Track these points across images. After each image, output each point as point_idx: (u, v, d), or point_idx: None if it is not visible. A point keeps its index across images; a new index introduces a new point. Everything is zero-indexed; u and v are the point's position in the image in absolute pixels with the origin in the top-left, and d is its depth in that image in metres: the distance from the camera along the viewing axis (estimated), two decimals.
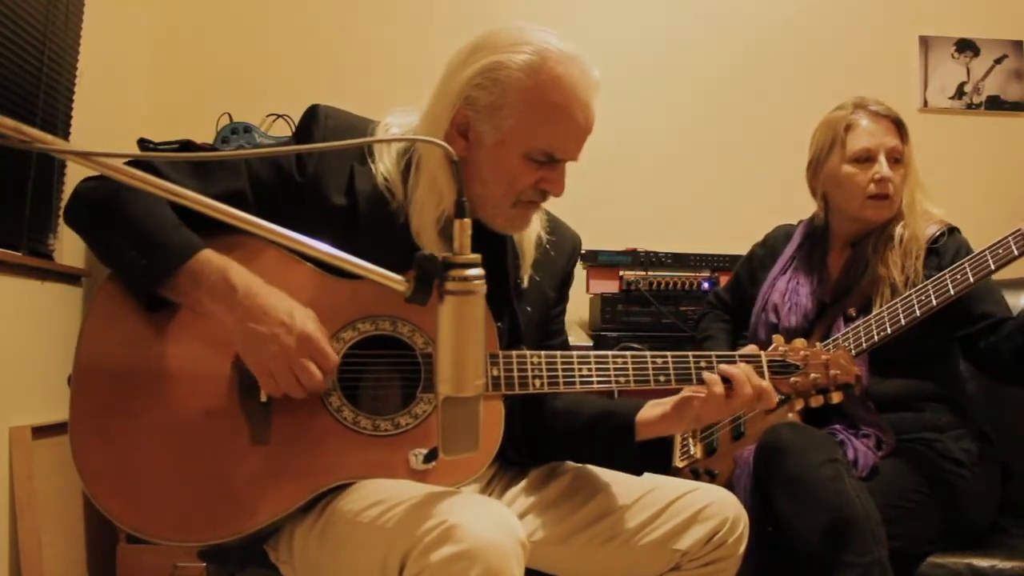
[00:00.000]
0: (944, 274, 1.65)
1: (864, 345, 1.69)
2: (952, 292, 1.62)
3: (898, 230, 1.83)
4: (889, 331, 1.67)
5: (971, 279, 1.61)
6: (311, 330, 1.16)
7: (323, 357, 1.16)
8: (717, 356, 1.31)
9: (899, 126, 1.86)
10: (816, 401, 1.36)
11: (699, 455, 1.92)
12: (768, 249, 2.10)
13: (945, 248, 1.82)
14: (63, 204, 2.24)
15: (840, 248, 1.95)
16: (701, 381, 1.29)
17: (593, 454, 1.39)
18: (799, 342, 1.37)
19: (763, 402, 1.29)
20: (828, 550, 1.48)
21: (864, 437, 1.73)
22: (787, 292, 1.94)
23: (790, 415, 1.78)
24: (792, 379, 1.34)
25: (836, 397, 1.36)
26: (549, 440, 1.41)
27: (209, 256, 1.17)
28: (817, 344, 1.39)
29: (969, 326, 1.76)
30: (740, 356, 1.32)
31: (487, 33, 1.28)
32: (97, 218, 1.21)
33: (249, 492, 1.17)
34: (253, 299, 1.15)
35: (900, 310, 1.68)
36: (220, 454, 1.18)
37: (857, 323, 1.73)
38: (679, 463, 1.96)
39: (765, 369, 1.33)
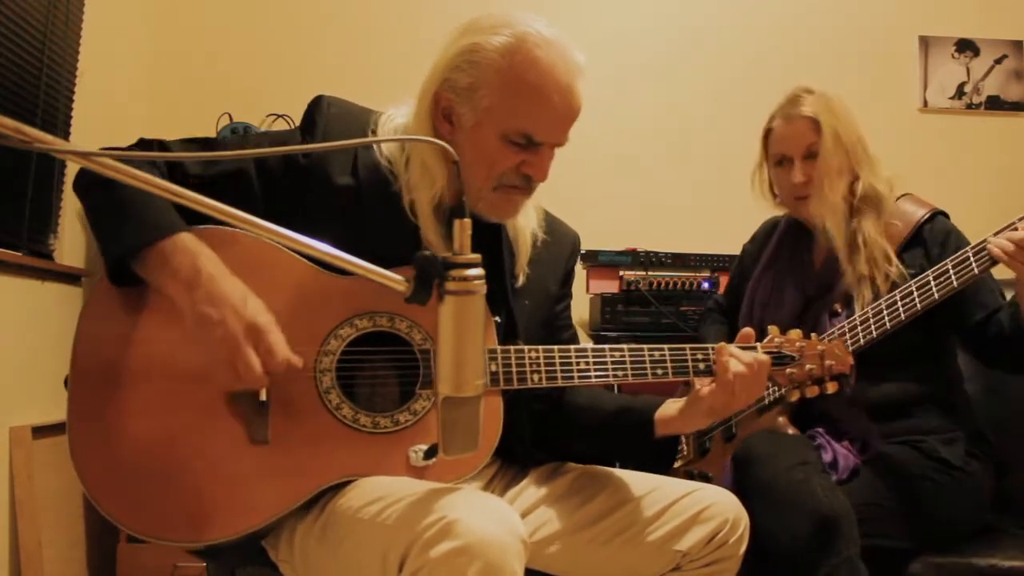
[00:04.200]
0: (928, 275, 1.63)
1: (849, 347, 1.65)
2: (936, 296, 1.61)
3: (856, 230, 1.79)
4: (874, 334, 1.66)
5: (955, 284, 1.60)
6: (261, 321, 1.11)
7: (267, 351, 1.11)
8: (714, 348, 1.32)
9: (814, 124, 1.82)
10: (811, 391, 1.38)
11: (691, 455, 1.92)
12: (756, 244, 2.09)
13: (932, 234, 1.79)
14: (63, 204, 2.25)
15: (821, 240, 1.91)
16: (698, 373, 1.31)
17: (612, 450, 1.41)
18: (794, 333, 1.39)
19: (759, 381, 1.30)
20: (799, 552, 1.48)
21: (847, 440, 1.72)
22: (772, 289, 1.92)
23: (780, 419, 1.77)
24: (788, 370, 1.36)
25: (831, 387, 1.38)
26: (568, 435, 1.42)
27: (184, 240, 1.15)
28: (812, 335, 1.41)
29: (967, 319, 1.74)
30: (737, 346, 1.34)
31: (471, 19, 1.29)
32: (96, 186, 1.21)
33: (250, 491, 1.17)
34: (211, 284, 1.12)
35: (885, 312, 1.66)
36: (220, 454, 1.18)
37: (842, 324, 1.72)
38: (674, 463, 1.95)
39: None
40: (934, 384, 1.79)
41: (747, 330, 1.37)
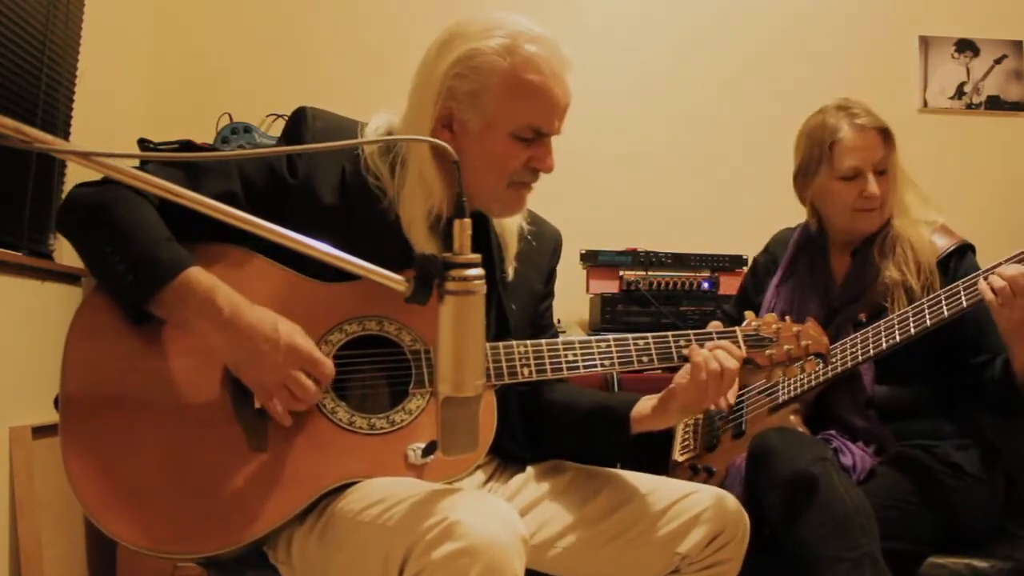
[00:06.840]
0: (958, 285, 1.61)
1: (871, 352, 1.67)
2: (965, 305, 1.59)
3: (900, 235, 1.81)
4: (898, 339, 1.64)
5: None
6: (298, 342, 1.15)
7: (314, 366, 1.16)
8: (695, 335, 1.35)
9: (884, 135, 1.80)
10: (791, 372, 1.42)
11: (698, 450, 1.92)
12: (770, 256, 2.07)
13: (957, 268, 1.78)
14: None
15: (840, 251, 1.92)
16: (681, 359, 1.33)
17: (592, 448, 1.42)
18: (770, 316, 1.43)
19: (732, 376, 1.30)
20: (819, 547, 1.49)
21: (861, 442, 1.72)
22: (792, 302, 1.90)
23: (791, 417, 1.78)
24: (767, 351, 1.40)
25: (809, 366, 1.43)
26: (547, 433, 1.43)
27: (197, 275, 1.15)
28: (787, 318, 1.45)
29: (970, 356, 1.74)
30: (716, 333, 1.37)
31: (456, 24, 1.30)
32: (87, 228, 1.20)
33: (250, 500, 1.17)
34: (239, 319, 1.14)
35: (911, 318, 1.65)
36: (218, 464, 1.17)
37: (866, 329, 1.71)
38: (679, 457, 1.96)
39: (741, 342, 1.38)
40: (949, 393, 1.80)
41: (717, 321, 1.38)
